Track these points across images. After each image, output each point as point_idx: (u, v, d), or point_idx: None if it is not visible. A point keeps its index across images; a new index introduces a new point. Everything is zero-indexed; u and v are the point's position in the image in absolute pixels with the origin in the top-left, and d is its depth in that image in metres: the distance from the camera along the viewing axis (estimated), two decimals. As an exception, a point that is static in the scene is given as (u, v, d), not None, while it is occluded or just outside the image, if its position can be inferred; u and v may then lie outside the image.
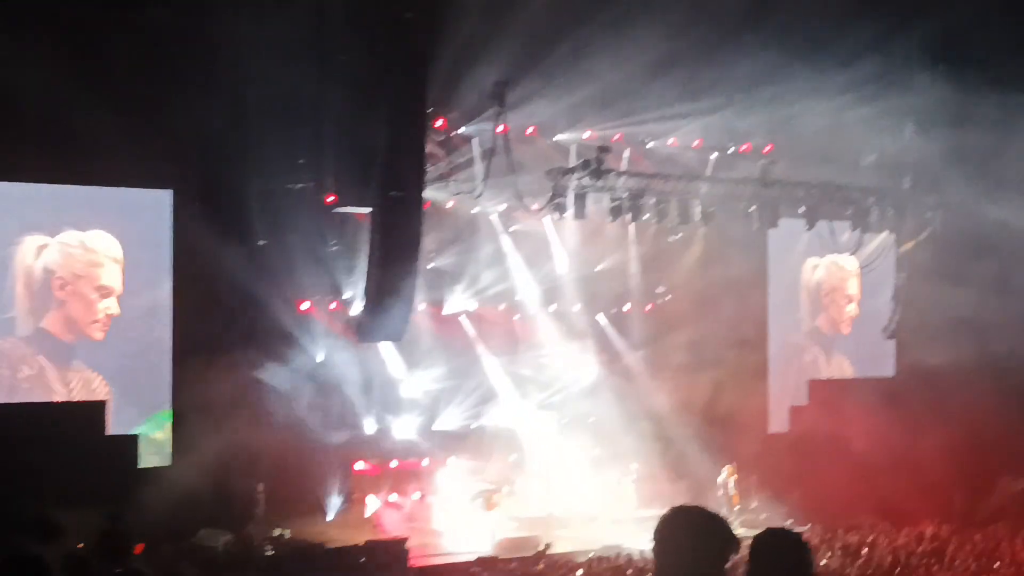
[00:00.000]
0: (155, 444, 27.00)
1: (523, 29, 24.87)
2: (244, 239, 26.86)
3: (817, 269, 35.51)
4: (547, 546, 26.49)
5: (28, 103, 24.34)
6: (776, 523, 29.00)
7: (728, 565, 5.29)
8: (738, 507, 30.20)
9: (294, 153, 26.90)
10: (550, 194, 27.42)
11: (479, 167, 27.56)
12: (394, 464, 30.27)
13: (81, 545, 21.26)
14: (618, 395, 32.20)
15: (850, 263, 34.90)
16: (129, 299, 26.99)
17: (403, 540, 26.10)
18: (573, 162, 29.15)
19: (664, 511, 5.48)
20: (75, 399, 26.41)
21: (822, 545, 26.03)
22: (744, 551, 5.72)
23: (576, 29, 25.61)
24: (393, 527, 28.64)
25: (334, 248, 27.92)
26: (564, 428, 32.16)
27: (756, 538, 5.61)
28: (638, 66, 26.53)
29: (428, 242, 27.95)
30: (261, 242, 27.15)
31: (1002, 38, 28.80)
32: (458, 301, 31.41)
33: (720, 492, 30.47)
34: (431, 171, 26.46)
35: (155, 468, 26.36)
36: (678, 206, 29.18)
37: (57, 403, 26.09)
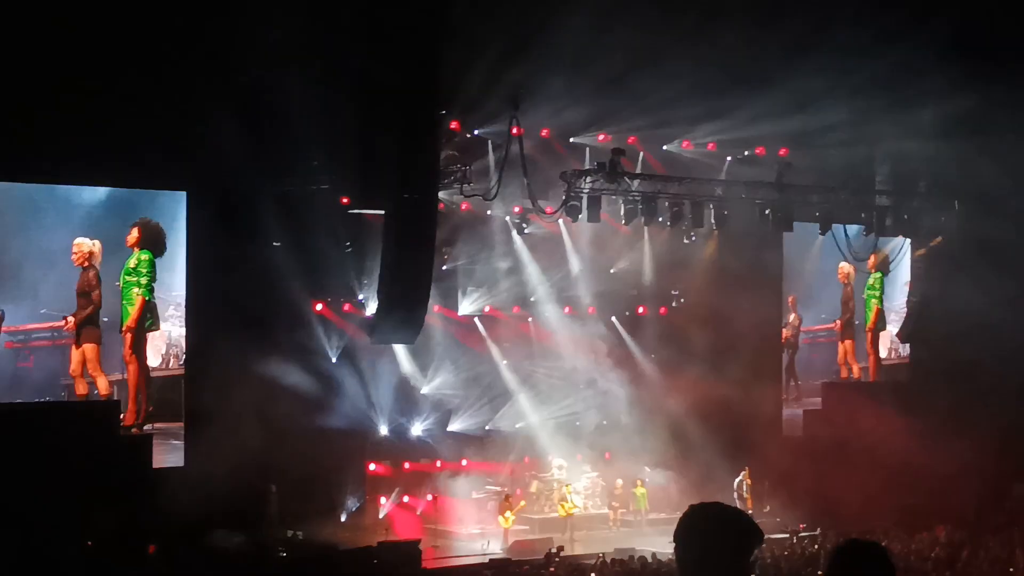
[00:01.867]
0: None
1: (537, 32, 24.88)
2: (258, 240, 26.89)
3: (835, 272, 35.37)
4: (560, 549, 26.46)
5: (42, 105, 24.42)
6: (790, 527, 29.14)
7: (752, 558, 5.22)
8: (751, 510, 30.17)
9: (309, 155, 26.94)
10: (564, 196, 27.43)
11: (493, 169, 27.59)
12: (407, 466, 30.30)
13: (91, 543, 21.44)
14: (632, 398, 32.18)
15: (865, 267, 34.82)
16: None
17: (416, 542, 26.12)
18: (587, 164, 29.18)
19: (678, 515, 5.44)
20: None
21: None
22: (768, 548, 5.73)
23: (590, 32, 25.60)
24: (406, 529, 28.67)
25: (348, 249, 27.95)
26: (577, 431, 32.14)
27: (837, 548, 5.59)
28: (653, 69, 26.52)
29: (442, 244, 27.99)
30: (275, 243, 27.19)
31: (1020, 38, 28.71)
32: (472, 303, 31.43)
33: (735, 495, 30.44)
34: (445, 173, 26.48)
35: (170, 468, 26.39)
36: (692, 209, 29.18)
37: (71, 402, 26.13)
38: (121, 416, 26.60)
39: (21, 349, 26.20)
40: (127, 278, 26.81)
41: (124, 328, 26.76)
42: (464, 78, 25.80)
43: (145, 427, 26.88)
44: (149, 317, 26.99)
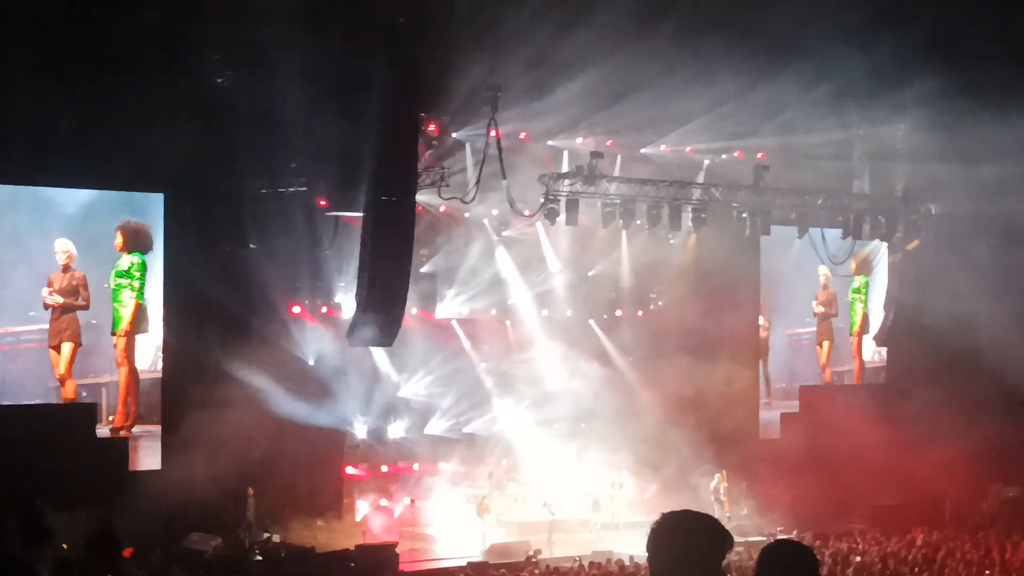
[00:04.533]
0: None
1: (516, 34, 24.89)
2: (236, 242, 26.83)
3: (813, 276, 35.47)
4: (537, 552, 26.50)
5: (21, 106, 24.31)
6: (767, 530, 29.23)
7: (724, 563, 5.29)
8: (729, 513, 30.22)
9: (286, 157, 26.89)
10: (542, 199, 27.44)
11: (471, 172, 27.58)
12: (385, 468, 30.25)
13: (66, 546, 21.35)
14: (609, 401, 32.17)
15: (847, 271, 34.91)
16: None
17: (393, 545, 26.10)
18: (566, 167, 29.20)
19: (655, 518, 5.48)
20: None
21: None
22: (743, 552, 5.78)
23: (569, 35, 25.63)
24: (383, 532, 28.61)
25: (326, 252, 27.90)
26: (555, 434, 32.13)
27: (764, 549, 5.62)
28: (632, 72, 26.56)
29: (420, 247, 27.96)
30: (253, 245, 27.12)
31: (994, 42, 28.87)
32: (450, 306, 31.40)
33: (711, 498, 30.48)
34: (423, 175, 26.47)
35: (146, 471, 26.31)
36: (670, 212, 29.22)
37: (48, 405, 26.04)
38: (110, 419, 26.72)
39: (10, 352, 26.14)
40: (118, 281, 26.83)
41: (118, 331, 26.78)
42: (443, 81, 25.78)
43: (134, 429, 26.90)
44: (142, 320, 27.00)
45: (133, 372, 26.97)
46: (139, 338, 27.07)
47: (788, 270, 34.99)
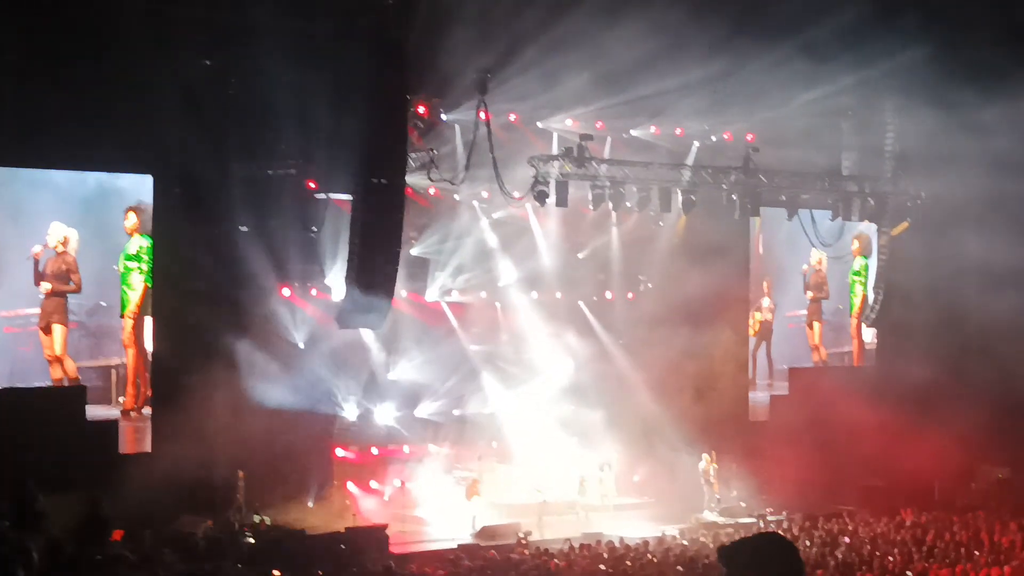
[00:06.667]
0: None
1: (506, 16, 24.84)
2: (225, 224, 26.77)
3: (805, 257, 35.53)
4: (527, 533, 26.54)
5: (8, 87, 24.22)
6: (756, 511, 29.28)
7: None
8: (718, 495, 30.28)
9: (275, 139, 26.83)
10: (532, 181, 27.41)
11: (461, 154, 27.53)
12: (375, 451, 30.26)
13: (57, 529, 21.33)
14: (599, 383, 32.21)
15: (839, 252, 34.95)
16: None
17: (383, 527, 26.12)
18: (555, 149, 29.17)
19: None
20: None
21: (802, 533, 26.14)
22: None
23: (559, 17, 25.58)
24: (374, 514, 28.63)
25: (315, 234, 27.85)
26: (545, 416, 32.17)
27: (734, 544, 5.61)
28: (621, 54, 26.52)
29: (409, 229, 27.93)
30: (242, 227, 27.07)
31: (986, 19, 28.88)
32: (440, 288, 31.38)
33: (701, 480, 30.53)
34: (413, 158, 26.42)
35: (136, 454, 26.30)
36: (660, 194, 29.22)
37: (37, 388, 26.02)
38: (120, 400, 27.15)
39: (20, 334, 26.18)
40: (127, 263, 27.08)
41: (126, 313, 27.04)
42: (432, 63, 25.72)
43: (144, 410, 27.04)
44: (150, 302, 27.16)
45: (142, 353, 27.23)
46: (147, 320, 27.20)
47: (788, 252, 35.03)
